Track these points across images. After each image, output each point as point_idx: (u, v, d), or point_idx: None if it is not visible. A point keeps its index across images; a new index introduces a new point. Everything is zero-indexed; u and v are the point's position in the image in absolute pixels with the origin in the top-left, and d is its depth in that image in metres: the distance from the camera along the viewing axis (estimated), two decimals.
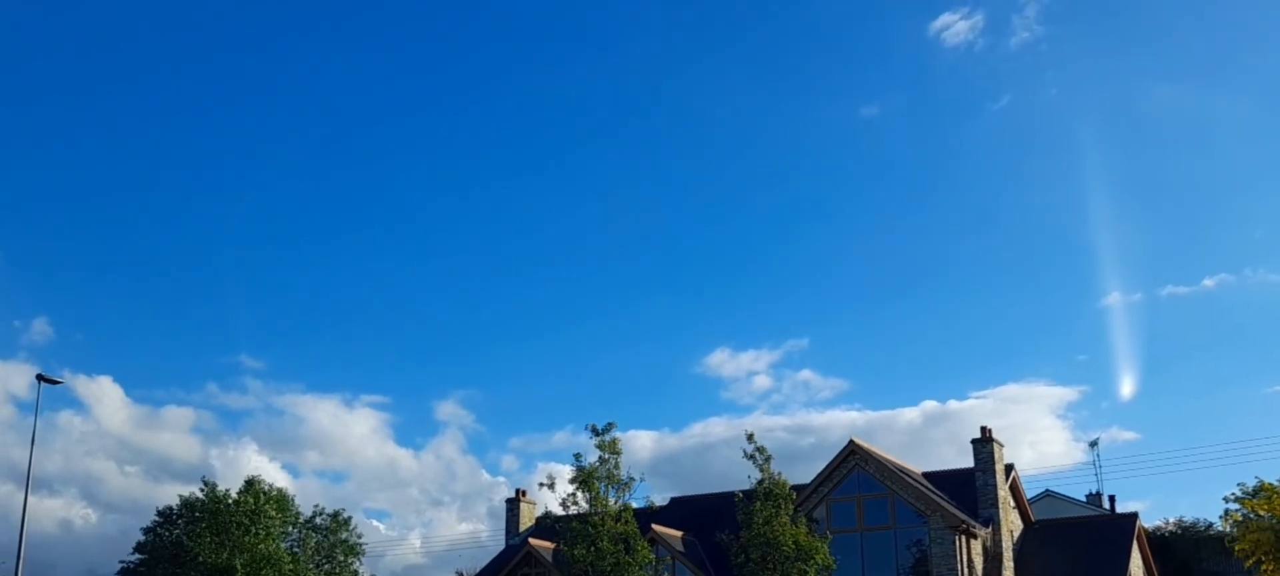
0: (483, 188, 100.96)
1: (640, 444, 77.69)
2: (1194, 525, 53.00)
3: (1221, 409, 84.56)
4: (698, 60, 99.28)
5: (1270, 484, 33.08)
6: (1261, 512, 33.04)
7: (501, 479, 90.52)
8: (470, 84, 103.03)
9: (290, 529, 40.29)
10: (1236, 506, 34.01)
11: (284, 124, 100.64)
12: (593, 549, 29.73)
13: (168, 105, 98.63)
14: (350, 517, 41.97)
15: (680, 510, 41.50)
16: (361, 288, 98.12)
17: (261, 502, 38.70)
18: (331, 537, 41.40)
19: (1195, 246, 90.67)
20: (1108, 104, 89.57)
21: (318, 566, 40.40)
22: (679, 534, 38.08)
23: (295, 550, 40.21)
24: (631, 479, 30.91)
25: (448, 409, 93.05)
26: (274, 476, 68.95)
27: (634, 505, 31.28)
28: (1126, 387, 69.48)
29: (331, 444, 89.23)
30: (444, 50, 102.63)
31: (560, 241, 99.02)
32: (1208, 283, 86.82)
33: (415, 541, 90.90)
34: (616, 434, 30.69)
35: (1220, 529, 41.00)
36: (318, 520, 41.65)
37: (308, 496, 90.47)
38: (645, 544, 31.30)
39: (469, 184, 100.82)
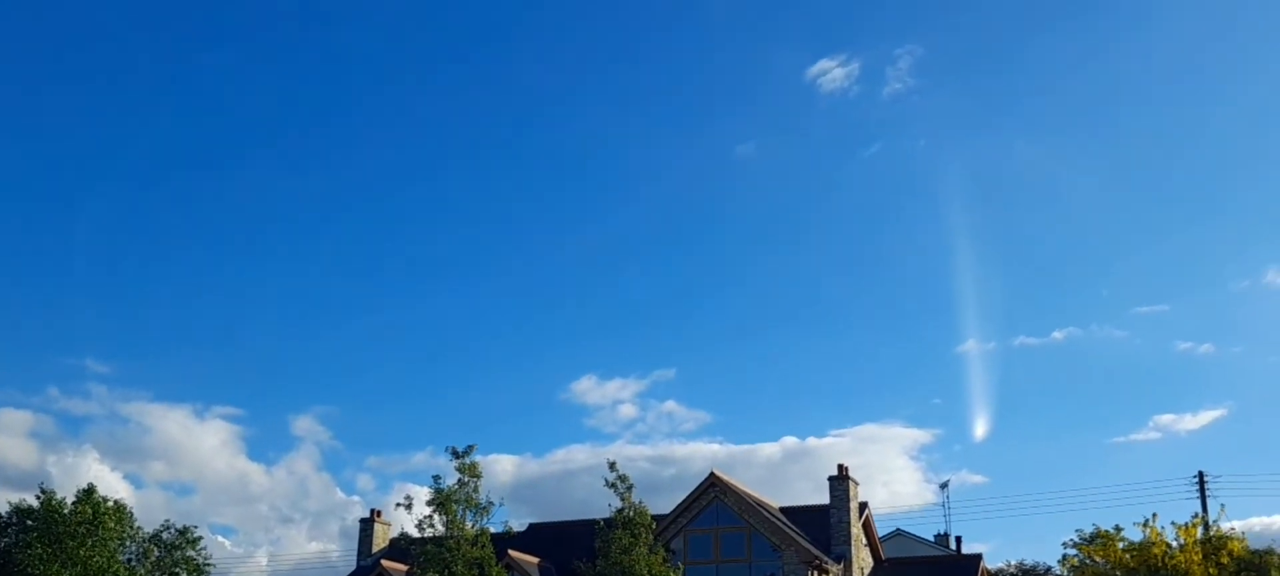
0: (347, 201, 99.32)
1: (501, 468, 76.97)
2: (1034, 567, 54.98)
3: (1065, 457, 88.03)
4: (573, 88, 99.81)
5: (1106, 531, 34.67)
6: (1097, 558, 34.59)
7: (356, 498, 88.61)
8: (335, 93, 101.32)
9: (128, 542, 38.44)
10: (1074, 551, 35.56)
11: (139, 126, 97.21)
12: (447, 573, 29.20)
13: (12, 100, 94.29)
14: (200, 537, 40.24)
15: (538, 536, 41.14)
16: (217, 295, 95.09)
17: (99, 513, 36.87)
18: (175, 553, 39.62)
19: (1046, 300, 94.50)
20: (971, 158, 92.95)
21: None
22: (535, 560, 37.72)
23: (133, 564, 38.40)
24: (490, 503, 30.50)
25: (304, 424, 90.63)
26: (115, 487, 66.05)
27: (492, 529, 30.86)
28: (979, 431, 71.77)
29: (179, 455, 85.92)
30: (315, 57, 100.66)
31: (427, 260, 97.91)
32: (1057, 335, 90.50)
33: (262, 559, 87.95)
34: (477, 457, 30.30)
35: (1059, 572, 42.56)
36: (164, 535, 39.84)
37: (151, 508, 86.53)
38: (501, 569, 30.92)
39: (332, 196, 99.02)
